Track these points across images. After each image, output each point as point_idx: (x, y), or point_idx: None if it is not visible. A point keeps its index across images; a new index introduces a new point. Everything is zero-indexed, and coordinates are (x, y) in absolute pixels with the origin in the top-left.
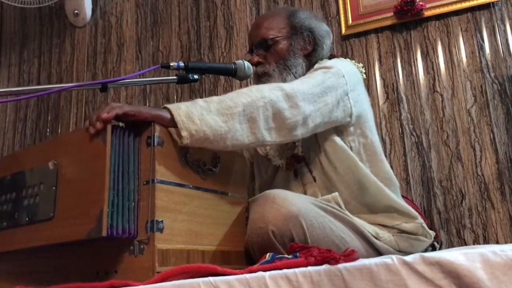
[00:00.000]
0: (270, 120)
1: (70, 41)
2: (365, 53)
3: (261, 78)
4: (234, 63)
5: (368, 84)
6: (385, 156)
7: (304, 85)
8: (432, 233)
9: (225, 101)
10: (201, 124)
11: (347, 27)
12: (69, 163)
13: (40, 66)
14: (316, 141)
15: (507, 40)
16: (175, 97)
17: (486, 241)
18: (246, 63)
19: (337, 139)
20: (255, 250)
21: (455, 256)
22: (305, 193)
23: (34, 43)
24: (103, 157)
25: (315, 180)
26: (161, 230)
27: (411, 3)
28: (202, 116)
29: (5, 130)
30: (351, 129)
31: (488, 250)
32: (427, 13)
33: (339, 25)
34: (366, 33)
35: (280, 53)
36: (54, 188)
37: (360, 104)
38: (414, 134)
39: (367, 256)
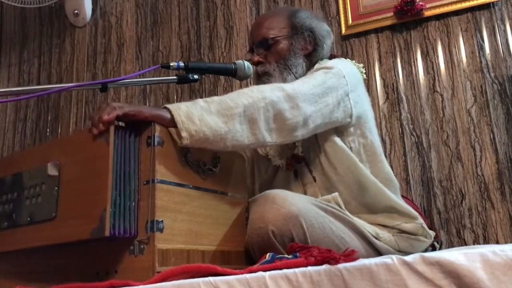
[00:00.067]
0: (271, 121)
1: (70, 41)
2: (365, 53)
3: (261, 77)
4: (234, 63)
5: (368, 84)
6: (385, 156)
7: (305, 85)
8: (432, 233)
9: (226, 102)
10: (201, 125)
11: (347, 27)
12: (72, 164)
13: (40, 66)
14: (316, 142)
15: (507, 40)
16: (175, 97)
17: (486, 241)
18: (246, 63)
19: (337, 139)
20: (255, 250)
21: (455, 256)
22: (305, 193)
23: (34, 43)
24: (106, 157)
25: (315, 180)
26: (161, 230)
27: (411, 3)
28: (202, 116)
29: (5, 130)
30: (351, 129)
31: (488, 250)
32: (427, 13)
33: (339, 25)
34: (366, 33)
35: (280, 52)
36: (56, 188)
37: (361, 104)
38: (414, 134)
39: (367, 256)
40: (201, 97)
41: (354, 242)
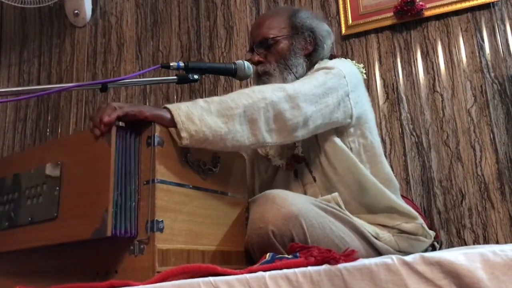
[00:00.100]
0: (271, 121)
1: (70, 41)
2: (365, 53)
3: (261, 77)
4: (234, 63)
5: (368, 84)
6: (385, 156)
7: (305, 86)
8: (432, 233)
9: (226, 102)
10: (201, 125)
11: (347, 27)
12: (72, 164)
13: (40, 66)
14: (316, 142)
15: (507, 40)
16: (175, 97)
17: (486, 241)
18: (246, 63)
19: (337, 140)
20: (255, 250)
21: (455, 256)
22: (305, 193)
23: (34, 43)
24: (107, 158)
25: (315, 181)
26: (161, 230)
27: (411, 3)
28: (202, 116)
29: (5, 130)
30: (351, 130)
31: (488, 250)
32: (427, 13)
33: (339, 25)
34: (366, 33)
35: (281, 52)
36: (57, 188)
37: (361, 105)
38: (414, 134)
39: (367, 256)
40: (201, 97)
41: (354, 242)
